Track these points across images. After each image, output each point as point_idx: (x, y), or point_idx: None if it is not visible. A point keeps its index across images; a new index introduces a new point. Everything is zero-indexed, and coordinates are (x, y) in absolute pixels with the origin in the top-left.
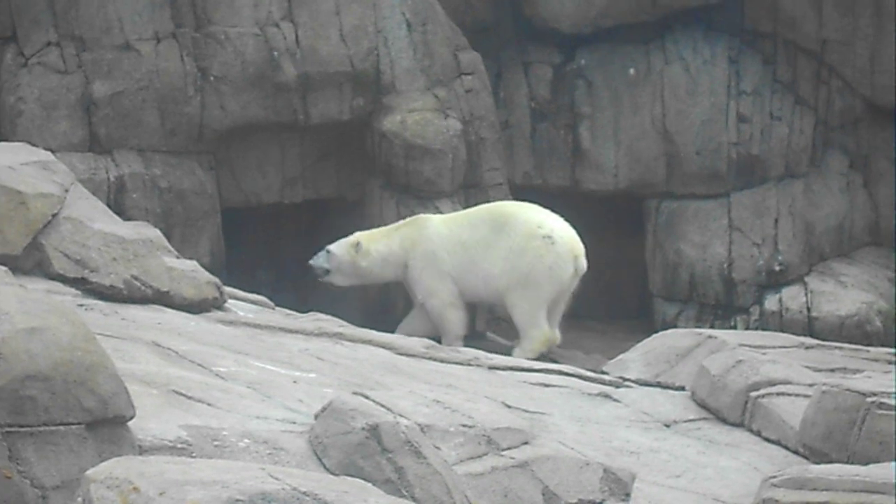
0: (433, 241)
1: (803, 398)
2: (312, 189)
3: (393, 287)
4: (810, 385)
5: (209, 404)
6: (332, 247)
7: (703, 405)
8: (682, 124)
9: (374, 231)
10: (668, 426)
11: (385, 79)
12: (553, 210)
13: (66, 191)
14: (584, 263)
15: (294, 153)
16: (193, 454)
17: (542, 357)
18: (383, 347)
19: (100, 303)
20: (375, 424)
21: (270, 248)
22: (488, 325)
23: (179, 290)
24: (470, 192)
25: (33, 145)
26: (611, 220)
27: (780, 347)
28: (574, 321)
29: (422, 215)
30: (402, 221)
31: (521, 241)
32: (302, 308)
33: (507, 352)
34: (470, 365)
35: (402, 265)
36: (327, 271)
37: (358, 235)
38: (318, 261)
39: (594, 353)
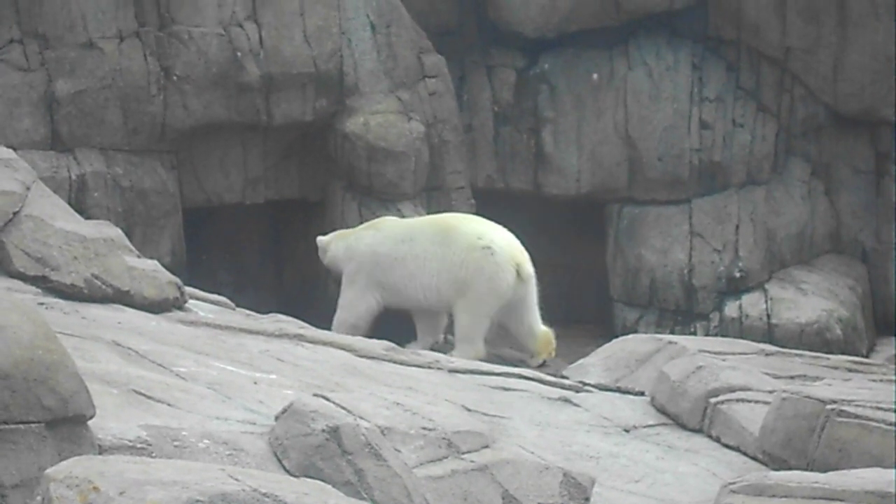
0: (367, 256)
1: (763, 405)
2: (274, 190)
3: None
4: (770, 392)
5: (169, 404)
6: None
7: (662, 411)
8: (645, 130)
9: (339, 233)
10: (627, 431)
11: (348, 80)
12: (515, 213)
13: (28, 189)
14: (528, 270)
15: (256, 153)
16: (153, 454)
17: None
18: (343, 349)
19: (60, 301)
20: (336, 426)
21: (232, 249)
22: (448, 328)
23: (140, 289)
24: (432, 194)
25: None
26: (572, 224)
27: (740, 354)
28: None
29: (380, 219)
30: (364, 224)
31: (462, 254)
32: (263, 309)
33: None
34: (430, 368)
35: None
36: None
37: (327, 237)
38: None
39: (554, 358)
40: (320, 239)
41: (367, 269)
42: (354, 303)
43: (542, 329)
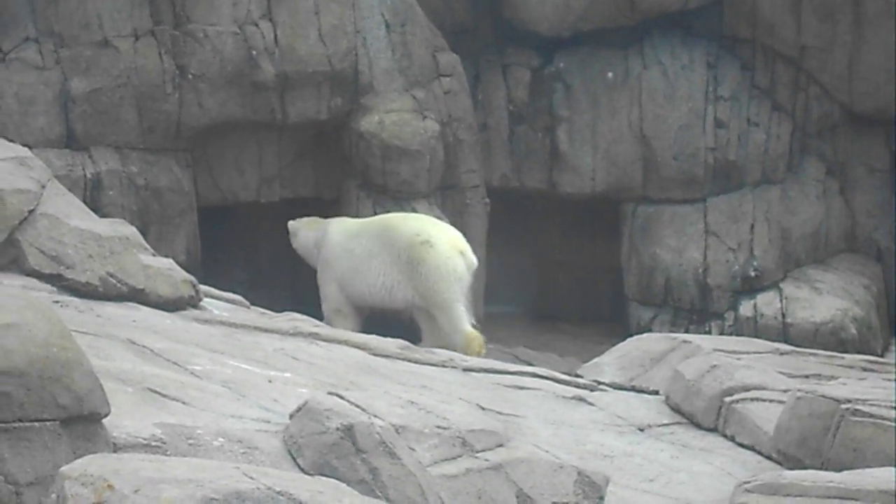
0: (329, 249)
1: (777, 404)
2: (289, 188)
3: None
4: (785, 391)
5: (184, 403)
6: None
7: (677, 409)
8: (660, 129)
9: (311, 219)
10: (642, 430)
11: (363, 79)
12: (530, 212)
13: (43, 187)
14: (472, 259)
15: (271, 152)
16: (168, 452)
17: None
18: (358, 348)
19: (75, 299)
20: (350, 425)
21: (247, 247)
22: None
23: (155, 287)
24: (447, 193)
25: (10, 141)
26: (587, 223)
27: (755, 353)
28: (549, 324)
29: (335, 219)
30: (328, 220)
31: (405, 253)
32: (277, 307)
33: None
34: (444, 366)
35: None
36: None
37: (297, 222)
38: None
39: (569, 356)
40: (291, 224)
41: (326, 257)
42: (327, 292)
43: (475, 334)
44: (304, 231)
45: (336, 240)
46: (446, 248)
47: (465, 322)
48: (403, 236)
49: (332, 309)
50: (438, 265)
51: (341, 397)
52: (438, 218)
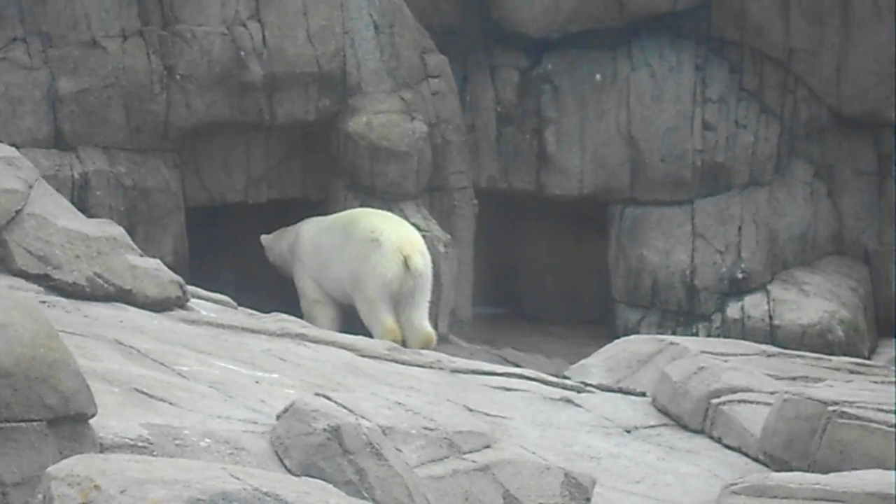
0: (301, 245)
1: (764, 406)
2: (277, 189)
3: None
4: (772, 393)
5: (171, 403)
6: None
7: (664, 411)
8: (648, 131)
9: (279, 231)
10: (628, 432)
11: (351, 80)
12: (517, 214)
13: (30, 187)
14: (416, 263)
15: (259, 153)
16: (154, 453)
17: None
18: (345, 349)
19: (62, 300)
20: (337, 426)
21: (234, 248)
22: (450, 328)
23: (142, 288)
24: (434, 194)
25: None
26: (575, 225)
27: (742, 355)
28: (536, 325)
29: (308, 219)
30: (300, 222)
31: (357, 246)
32: (265, 308)
33: (469, 354)
34: (432, 367)
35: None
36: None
37: (270, 236)
38: None
39: (556, 358)
40: (264, 238)
41: (300, 255)
42: (303, 286)
43: (426, 328)
44: (277, 241)
45: (308, 236)
46: (390, 249)
47: (382, 318)
48: (359, 232)
49: (310, 301)
50: (376, 266)
51: (328, 398)
52: (425, 219)
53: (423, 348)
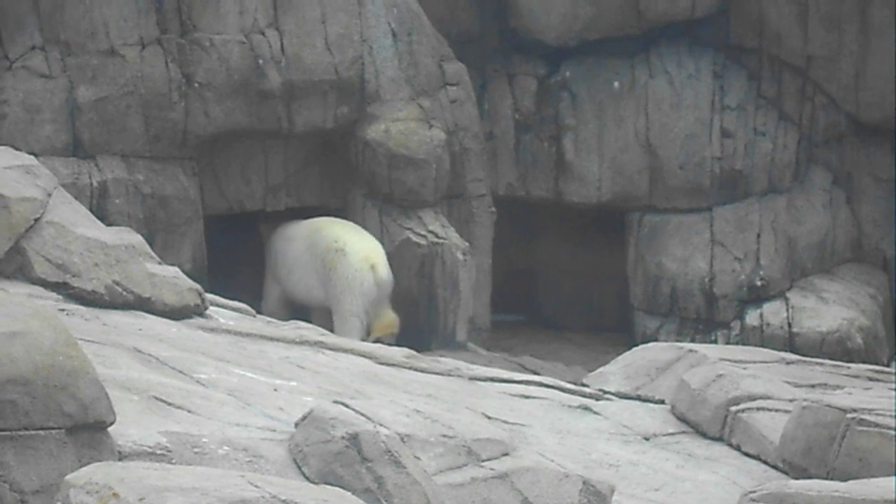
0: (272, 251)
1: (783, 413)
2: (295, 197)
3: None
4: (790, 400)
5: (189, 411)
6: None
7: (682, 419)
8: (666, 138)
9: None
10: (647, 439)
11: (370, 88)
12: (535, 221)
13: (49, 195)
14: (382, 273)
15: (277, 161)
16: (173, 461)
17: (521, 369)
18: (364, 356)
19: (81, 308)
20: (355, 433)
21: (253, 256)
22: (469, 336)
23: (161, 296)
24: (453, 202)
25: (16, 149)
26: (593, 232)
27: (761, 362)
28: (555, 333)
29: (282, 224)
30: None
31: (322, 256)
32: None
33: (488, 362)
34: (450, 375)
35: None
36: None
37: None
38: None
39: (574, 366)
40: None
41: (268, 260)
42: (267, 290)
43: (389, 312)
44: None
45: (275, 245)
46: (357, 259)
47: (355, 335)
48: (323, 241)
49: (268, 311)
50: (346, 275)
51: (347, 406)
52: (444, 227)
53: (387, 332)
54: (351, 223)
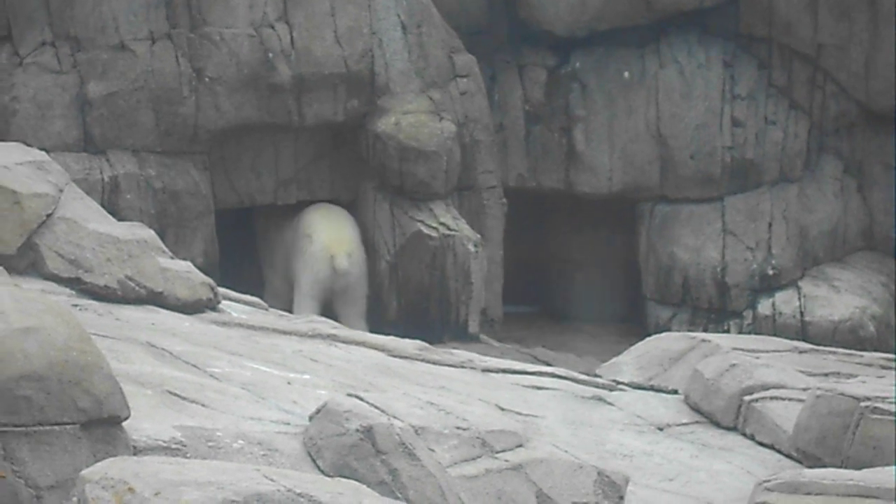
0: (270, 240)
1: (797, 402)
2: (306, 190)
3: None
4: (804, 389)
5: (203, 405)
6: None
7: (696, 409)
8: (677, 128)
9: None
10: (661, 429)
11: (380, 80)
12: (546, 212)
13: (61, 191)
14: (340, 264)
15: (288, 154)
16: (188, 455)
17: (534, 360)
18: (377, 349)
19: (94, 303)
20: (370, 426)
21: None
22: (481, 328)
23: (173, 290)
24: (464, 194)
25: (28, 145)
26: (604, 223)
27: (774, 351)
28: (567, 324)
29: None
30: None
31: (297, 240)
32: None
33: (500, 353)
34: (463, 367)
35: None
36: None
37: None
38: None
39: (587, 356)
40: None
41: (266, 250)
42: (267, 280)
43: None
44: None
45: (273, 232)
46: (319, 247)
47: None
48: (299, 226)
49: (270, 294)
50: (307, 262)
51: (360, 399)
52: (455, 219)
53: None
54: (337, 212)
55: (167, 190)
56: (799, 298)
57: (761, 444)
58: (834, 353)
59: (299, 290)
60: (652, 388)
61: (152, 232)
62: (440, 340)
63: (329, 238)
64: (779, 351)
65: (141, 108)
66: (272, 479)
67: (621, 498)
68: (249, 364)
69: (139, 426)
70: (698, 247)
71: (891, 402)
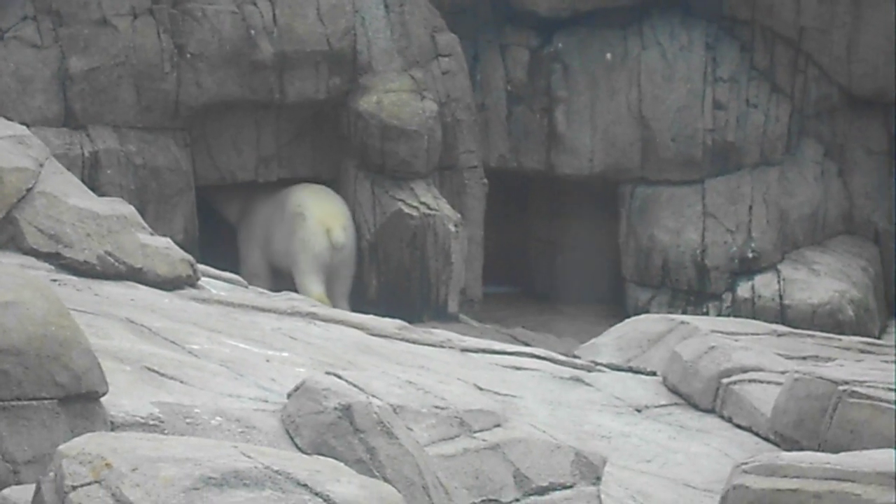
0: (249, 217)
1: (775, 385)
2: (287, 168)
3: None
4: (782, 372)
5: (182, 381)
6: None
7: (674, 391)
8: (658, 110)
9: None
10: (639, 411)
11: (362, 59)
12: (527, 193)
13: (41, 165)
14: (338, 237)
15: (269, 132)
16: (165, 431)
17: (513, 340)
18: (356, 328)
19: (73, 278)
20: (348, 404)
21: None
22: (461, 307)
23: (153, 266)
24: (445, 174)
25: (8, 119)
26: (585, 204)
27: (753, 334)
28: (547, 305)
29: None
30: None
31: (288, 220)
32: (275, 287)
33: (480, 334)
34: (442, 347)
35: None
36: None
37: None
38: None
39: (566, 337)
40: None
41: (245, 226)
42: (246, 255)
43: (337, 305)
44: None
45: (255, 210)
46: (313, 223)
47: (312, 290)
48: (289, 206)
49: (249, 273)
50: (303, 238)
51: (339, 377)
52: (436, 198)
53: None
54: (325, 190)
55: (148, 166)
56: (778, 282)
57: (739, 426)
58: (812, 336)
59: (300, 271)
60: (630, 370)
61: (132, 208)
62: (420, 320)
63: (322, 213)
64: (757, 334)
65: (122, 83)
66: (250, 457)
67: (598, 478)
68: (228, 341)
69: (117, 402)
70: (678, 229)
71: (869, 386)
